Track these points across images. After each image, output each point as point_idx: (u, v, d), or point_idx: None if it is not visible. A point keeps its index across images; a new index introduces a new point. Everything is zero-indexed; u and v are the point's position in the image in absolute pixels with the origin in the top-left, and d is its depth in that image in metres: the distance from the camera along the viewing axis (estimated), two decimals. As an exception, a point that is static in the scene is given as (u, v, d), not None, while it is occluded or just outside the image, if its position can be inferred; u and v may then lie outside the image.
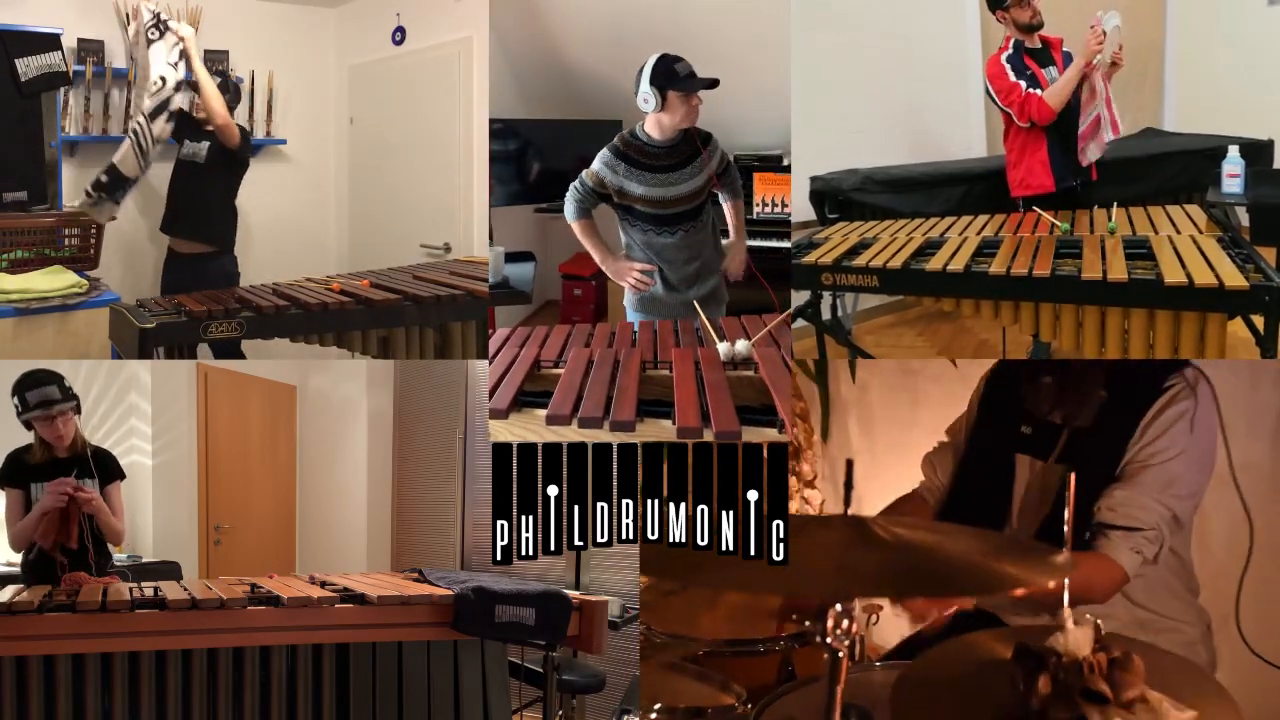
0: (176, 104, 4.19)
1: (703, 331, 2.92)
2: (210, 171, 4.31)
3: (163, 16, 4.18)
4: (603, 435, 2.21)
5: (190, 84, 4.21)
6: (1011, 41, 3.89)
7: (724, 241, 3.65)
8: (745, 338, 2.65)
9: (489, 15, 4.50)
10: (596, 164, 3.46)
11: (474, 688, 2.80)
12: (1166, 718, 1.71)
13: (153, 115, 4.15)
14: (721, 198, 3.59)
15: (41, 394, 3.26)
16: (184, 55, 4.18)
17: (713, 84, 3.32)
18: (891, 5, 4.89)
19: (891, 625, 2.71)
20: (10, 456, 3.38)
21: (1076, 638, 1.75)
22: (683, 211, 3.45)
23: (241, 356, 4.38)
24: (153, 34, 4.18)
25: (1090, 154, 3.87)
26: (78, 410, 3.38)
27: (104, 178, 4.10)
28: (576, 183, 3.51)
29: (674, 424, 2.20)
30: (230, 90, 4.41)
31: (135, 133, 4.12)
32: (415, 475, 5.37)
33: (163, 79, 4.15)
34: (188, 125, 4.35)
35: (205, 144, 4.30)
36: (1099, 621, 1.80)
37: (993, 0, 3.93)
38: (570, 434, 2.23)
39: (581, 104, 5.36)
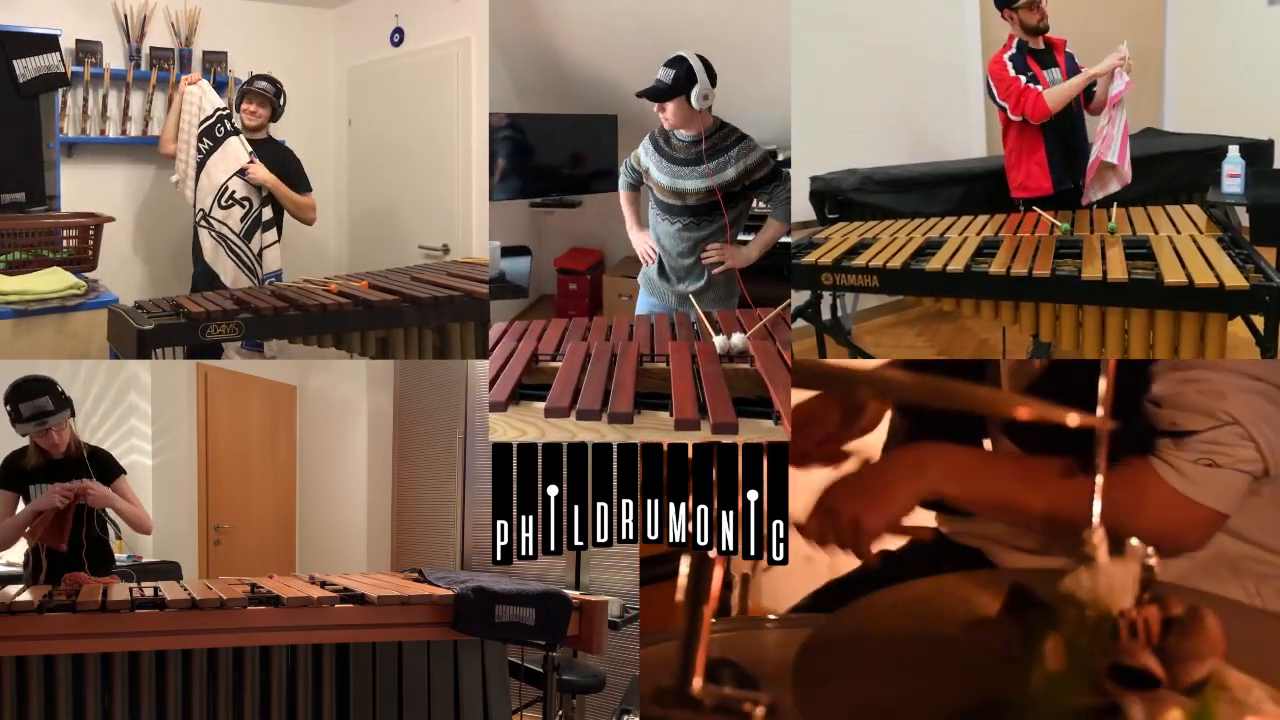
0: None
1: (699, 325, 2.93)
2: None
3: (229, 118, 4.32)
4: (601, 427, 2.21)
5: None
6: (1015, 41, 3.89)
7: (742, 237, 3.63)
8: (741, 331, 2.66)
9: (488, 16, 4.50)
10: (641, 144, 3.59)
11: (474, 688, 2.80)
12: (1258, 712, 1.06)
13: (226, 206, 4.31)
14: (771, 214, 3.55)
15: (35, 406, 3.23)
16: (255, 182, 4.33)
17: (647, 95, 3.35)
18: (891, 5, 4.89)
19: (793, 579, 2.08)
20: (8, 459, 3.37)
21: (1110, 579, 1.11)
22: (683, 206, 3.47)
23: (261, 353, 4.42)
24: (219, 130, 4.31)
25: (1093, 192, 3.89)
26: (72, 414, 3.38)
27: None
28: (629, 158, 3.68)
29: (671, 416, 2.20)
30: (278, 96, 4.47)
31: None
32: (415, 475, 5.37)
33: (235, 196, 4.31)
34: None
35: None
36: (1150, 554, 1.15)
37: None
38: (568, 425, 2.23)
39: (576, 98, 5.37)
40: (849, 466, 1.98)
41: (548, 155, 5.31)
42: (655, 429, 2.20)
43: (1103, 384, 1.28)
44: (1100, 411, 1.26)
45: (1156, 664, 1.07)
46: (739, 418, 2.16)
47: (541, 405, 2.28)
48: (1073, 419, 1.20)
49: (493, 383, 2.42)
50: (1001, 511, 1.86)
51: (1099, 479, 1.26)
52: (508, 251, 4.55)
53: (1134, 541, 1.14)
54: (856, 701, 1.14)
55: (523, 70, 5.34)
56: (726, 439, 2.14)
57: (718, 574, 1.17)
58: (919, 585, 1.33)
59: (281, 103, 4.47)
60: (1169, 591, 1.14)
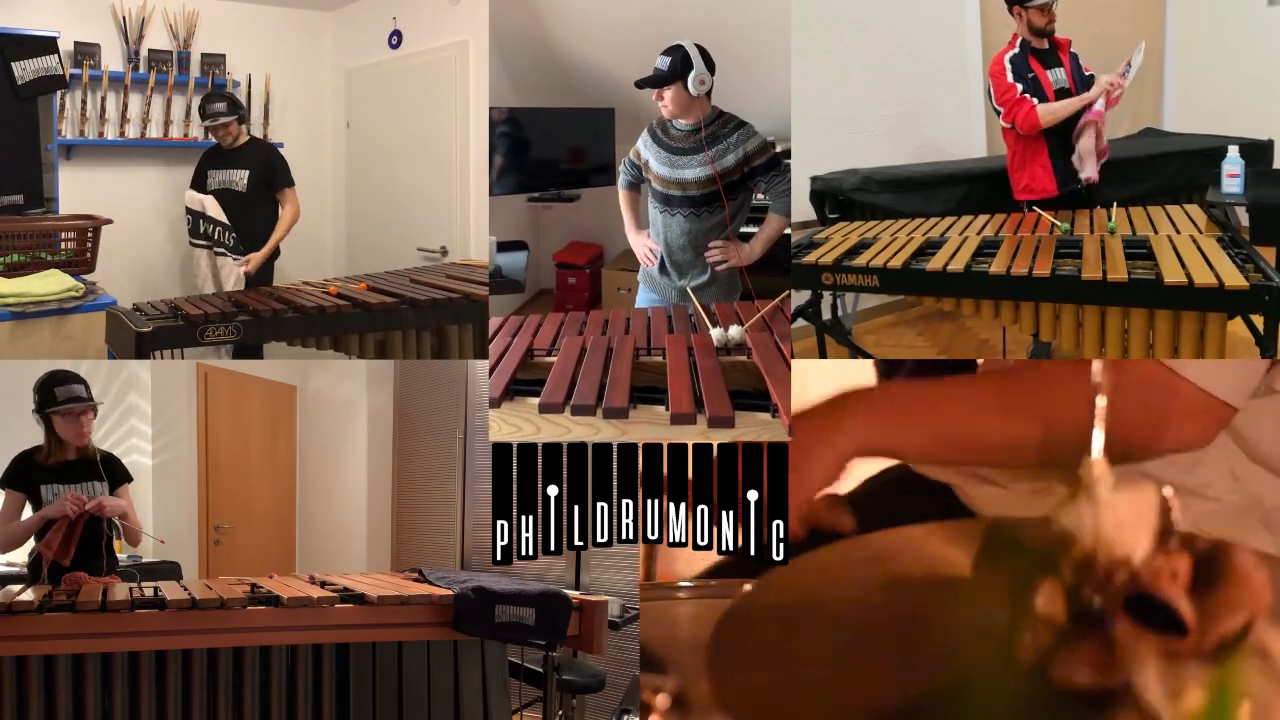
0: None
1: (696, 318, 2.93)
2: (254, 197, 4.37)
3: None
4: (596, 422, 2.20)
5: None
6: (1019, 41, 3.89)
7: (744, 230, 3.64)
8: (739, 324, 2.65)
9: (487, 18, 4.50)
10: (639, 138, 3.60)
11: (474, 688, 2.79)
12: None
13: None
14: (772, 208, 3.55)
15: (69, 390, 3.27)
16: None
17: (645, 83, 3.39)
18: (891, 5, 4.89)
19: None
20: (16, 460, 3.36)
21: (1120, 514, 0.86)
22: (684, 196, 3.47)
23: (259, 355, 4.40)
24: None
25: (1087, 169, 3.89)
26: (96, 413, 3.40)
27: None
28: (628, 155, 3.68)
29: (668, 410, 2.20)
30: (239, 107, 4.44)
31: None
32: (415, 475, 5.36)
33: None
34: (211, 159, 4.42)
35: (244, 172, 4.33)
36: (1168, 487, 0.89)
37: None
38: (563, 421, 2.22)
39: (573, 92, 5.36)
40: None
41: (546, 149, 5.31)
42: (651, 423, 2.19)
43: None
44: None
45: (1187, 604, 0.83)
46: (736, 411, 2.15)
47: (537, 401, 2.28)
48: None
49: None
50: (969, 456, 1.59)
51: (1099, 397, 0.97)
52: (504, 246, 4.55)
53: (1146, 470, 0.91)
54: (788, 687, 0.88)
55: (520, 64, 5.33)
56: (723, 433, 2.13)
57: None
58: (872, 540, 1.05)
59: (242, 113, 4.44)
60: (1193, 538, 0.89)
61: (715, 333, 2.61)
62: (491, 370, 2.46)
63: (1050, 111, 3.79)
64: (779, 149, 3.60)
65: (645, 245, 3.65)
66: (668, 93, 3.38)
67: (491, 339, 2.77)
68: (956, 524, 1.06)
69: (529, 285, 5.32)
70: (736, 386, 2.32)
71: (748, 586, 1.06)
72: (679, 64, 3.34)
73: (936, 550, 1.01)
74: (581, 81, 5.29)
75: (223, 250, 4.30)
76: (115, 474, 3.39)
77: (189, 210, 4.39)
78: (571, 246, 5.63)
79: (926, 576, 0.98)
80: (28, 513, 3.29)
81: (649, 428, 2.18)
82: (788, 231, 3.62)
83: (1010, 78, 3.83)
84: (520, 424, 2.26)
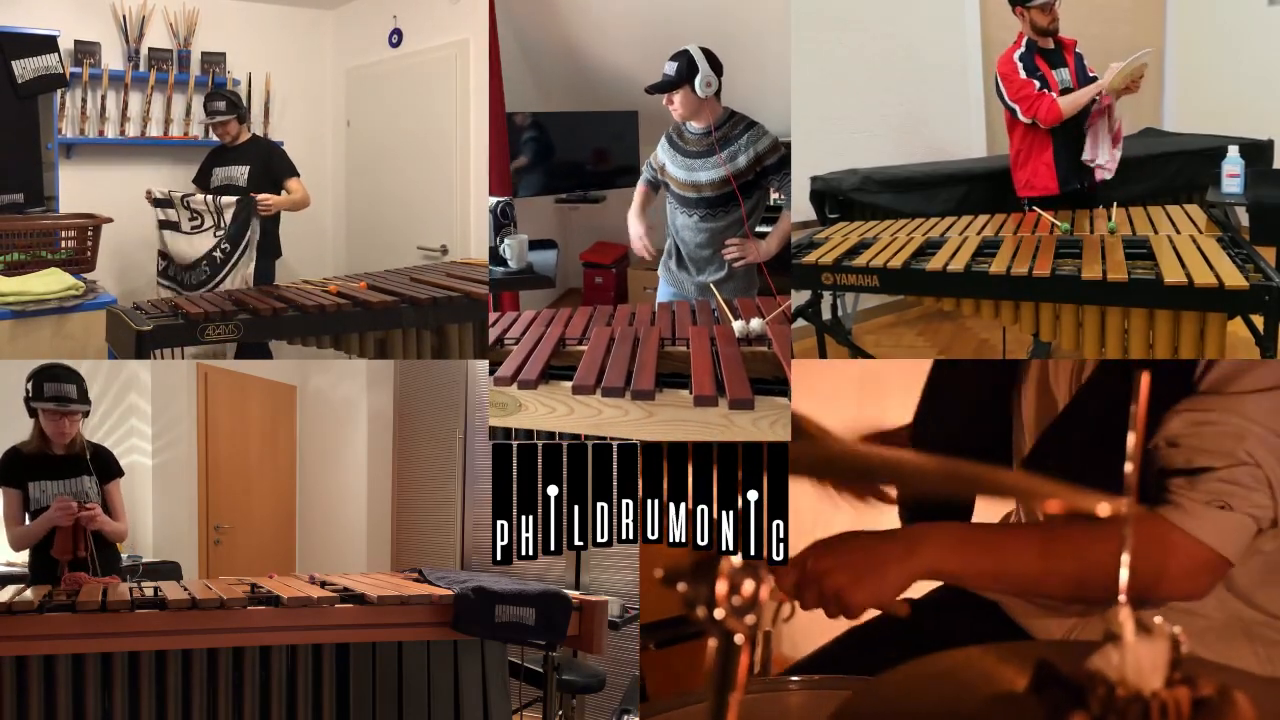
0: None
1: (719, 311, 2.99)
2: (255, 192, 4.36)
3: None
4: (624, 404, 2.28)
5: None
6: (1025, 40, 3.89)
7: (761, 228, 3.71)
8: (760, 317, 2.74)
9: (495, 13, 4.50)
10: (658, 143, 3.72)
11: (474, 688, 2.80)
12: None
13: None
14: (785, 205, 3.67)
15: (58, 389, 3.27)
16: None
17: (654, 89, 3.50)
18: (891, 5, 4.89)
19: (814, 625, 1.94)
20: (7, 453, 3.37)
21: (1139, 658, 1.06)
22: (700, 198, 3.58)
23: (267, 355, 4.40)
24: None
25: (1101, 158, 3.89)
26: (85, 415, 3.39)
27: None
28: (650, 157, 3.81)
29: (691, 394, 2.25)
30: (239, 106, 4.44)
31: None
32: (415, 475, 5.36)
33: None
34: (215, 157, 4.45)
35: (244, 168, 4.33)
36: (1178, 632, 1.09)
37: None
38: (594, 402, 2.30)
39: (597, 96, 5.43)
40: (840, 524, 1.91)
41: (571, 152, 5.40)
42: (675, 405, 2.25)
43: (1131, 439, 1.16)
44: (1129, 465, 1.17)
45: None
46: (755, 396, 2.21)
47: (569, 384, 2.35)
48: (1103, 509, 1.14)
49: (521, 365, 2.48)
50: (1015, 586, 1.89)
51: (1125, 555, 1.19)
52: (535, 245, 4.60)
53: (1158, 619, 1.09)
54: None
55: (545, 69, 5.42)
56: (743, 414, 2.15)
57: (744, 660, 1.04)
58: (944, 657, 1.26)
59: (241, 112, 4.46)
60: (1198, 669, 1.09)
61: (737, 325, 2.70)
62: (526, 356, 2.54)
63: (1071, 102, 3.81)
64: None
65: (642, 239, 3.77)
66: (676, 96, 3.48)
67: (525, 329, 2.85)
68: (1010, 646, 1.30)
69: (558, 284, 5.37)
70: (757, 374, 2.39)
71: (848, 692, 1.30)
72: (685, 68, 3.44)
73: (993, 669, 1.21)
74: (605, 85, 5.36)
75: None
76: (106, 468, 3.40)
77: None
78: (598, 247, 5.71)
79: (987, 691, 1.18)
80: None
81: (674, 409, 2.25)
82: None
83: (1024, 74, 3.84)
84: (555, 405, 2.34)
